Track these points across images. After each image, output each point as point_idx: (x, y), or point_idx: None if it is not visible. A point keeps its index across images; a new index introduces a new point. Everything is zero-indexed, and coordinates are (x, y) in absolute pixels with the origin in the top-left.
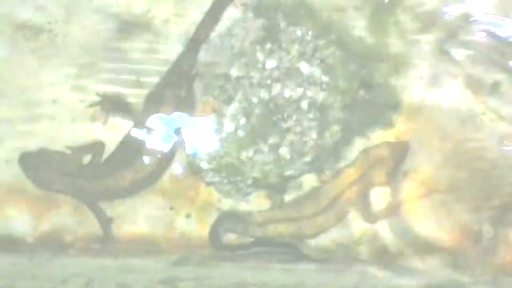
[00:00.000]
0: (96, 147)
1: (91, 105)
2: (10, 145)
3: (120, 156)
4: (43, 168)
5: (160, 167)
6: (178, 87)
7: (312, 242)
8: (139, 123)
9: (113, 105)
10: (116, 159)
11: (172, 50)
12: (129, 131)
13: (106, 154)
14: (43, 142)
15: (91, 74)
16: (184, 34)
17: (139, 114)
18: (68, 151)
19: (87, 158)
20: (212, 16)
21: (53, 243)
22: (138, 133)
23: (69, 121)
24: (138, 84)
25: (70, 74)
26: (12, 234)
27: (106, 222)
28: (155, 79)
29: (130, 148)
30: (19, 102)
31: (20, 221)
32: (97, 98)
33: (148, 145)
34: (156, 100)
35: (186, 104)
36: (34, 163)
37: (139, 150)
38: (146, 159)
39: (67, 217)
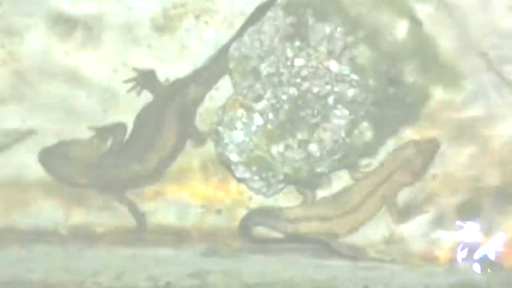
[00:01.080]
0: (118, 128)
1: (128, 80)
2: (44, 140)
3: (139, 137)
4: (63, 164)
5: (180, 143)
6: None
7: (344, 239)
8: (161, 99)
9: (145, 79)
10: (136, 140)
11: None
12: (145, 107)
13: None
14: (75, 134)
15: (123, 70)
16: (215, 33)
17: (163, 90)
18: (88, 136)
19: (106, 146)
20: (253, 19)
21: (85, 235)
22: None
23: (101, 111)
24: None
25: (103, 68)
26: (45, 225)
27: (138, 213)
28: (183, 76)
29: (148, 127)
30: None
31: (53, 212)
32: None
33: (167, 119)
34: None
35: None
36: (54, 159)
37: (158, 127)
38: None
39: (98, 208)
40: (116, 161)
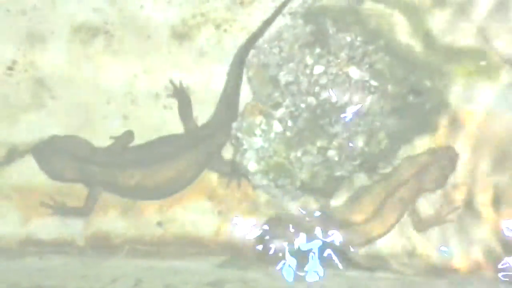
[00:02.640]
0: (125, 134)
1: (171, 82)
2: None
3: (150, 152)
4: (54, 156)
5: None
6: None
7: (362, 250)
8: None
9: (178, 100)
10: (133, 154)
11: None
12: (169, 136)
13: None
14: (95, 141)
15: (144, 78)
16: (233, 40)
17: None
18: (108, 143)
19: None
20: (267, 24)
21: (102, 246)
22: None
23: (121, 118)
24: (190, 92)
25: (124, 77)
26: (63, 237)
27: (90, 204)
28: (203, 84)
29: (163, 149)
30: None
31: (70, 223)
32: (170, 87)
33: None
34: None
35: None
36: (46, 152)
37: (174, 156)
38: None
39: (115, 220)
40: (105, 160)
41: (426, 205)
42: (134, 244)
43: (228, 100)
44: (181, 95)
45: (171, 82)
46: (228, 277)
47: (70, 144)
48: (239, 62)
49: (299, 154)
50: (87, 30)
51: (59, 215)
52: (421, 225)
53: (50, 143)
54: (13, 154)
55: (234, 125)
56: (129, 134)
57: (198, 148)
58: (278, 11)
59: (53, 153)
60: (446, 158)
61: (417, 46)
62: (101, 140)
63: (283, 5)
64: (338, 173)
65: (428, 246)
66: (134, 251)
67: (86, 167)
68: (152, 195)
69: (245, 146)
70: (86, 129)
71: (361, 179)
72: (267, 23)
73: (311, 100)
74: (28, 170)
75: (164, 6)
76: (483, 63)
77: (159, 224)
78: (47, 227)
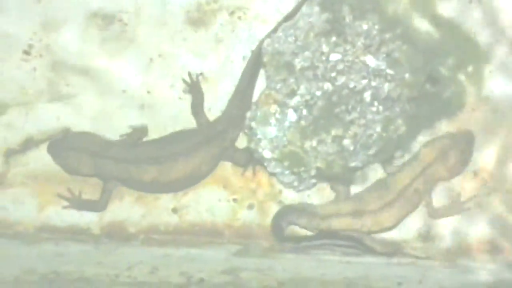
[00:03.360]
0: (139, 128)
1: (185, 81)
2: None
3: (164, 147)
4: (69, 151)
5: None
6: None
7: (377, 235)
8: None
9: (192, 95)
10: (147, 148)
11: (238, 43)
12: (184, 131)
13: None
14: (110, 129)
15: (159, 65)
16: (249, 29)
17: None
18: (124, 131)
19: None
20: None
21: (117, 234)
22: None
23: (137, 108)
24: (203, 79)
25: (139, 65)
26: (78, 225)
27: (107, 193)
28: (218, 71)
29: (178, 145)
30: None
31: (84, 213)
32: (187, 82)
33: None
34: None
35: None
36: (60, 149)
37: (190, 152)
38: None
39: (130, 208)
40: (119, 155)
41: (443, 193)
42: (149, 233)
43: (242, 95)
44: (196, 90)
45: (189, 75)
46: (243, 265)
47: (85, 139)
48: (256, 59)
49: (314, 143)
50: (102, 18)
51: (74, 208)
52: (437, 214)
53: (65, 139)
54: (29, 143)
55: (248, 114)
56: (143, 129)
57: (211, 143)
58: (300, 4)
59: (68, 148)
60: (465, 142)
61: (435, 33)
62: (117, 129)
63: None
64: (352, 164)
65: (442, 230)
66: (149, 240)
67: (101, 162)
68: (167, 189)
69: (259, 136)
70: (101, 117)
71: (376, 171)
72: (288, 17)
73: (327, 86)
74: (44, 159)
75: None
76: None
77: (174, 211)
78: (62, 214)
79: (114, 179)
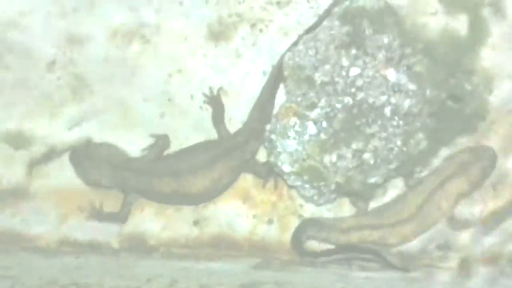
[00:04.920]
0: (160, 139)
1: (205, 100)
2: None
3: (184, 161)
4: (90, 162)
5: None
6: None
7: (396, 249)
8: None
9: (212, 107)
10: (168, 162)
11: (259, 58)
12: (204, 143)
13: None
14: (132, 139)
15: (179, 81)
16: (270, 42)
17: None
18: (145, 141)
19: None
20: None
21: (137, 246)
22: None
23: (158, 116)
24: (224, 93)
25: (159, 79)
26: (97, 239)
27: (127, 205)
28: (238, 85)
29: (198, 158)
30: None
31: (104, 226)
32: (208, 95)
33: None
34: None
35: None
36: (82, 158)
37: (210, 165)
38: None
39: (150, 221)
40: (140, 168)
41: (463, 207)
42: (169, 246)
43: (262, 108)
44: (216, 103)
45: (210, 89)
46: (262, 279)
47: (106, 151)
48: (277, 72)
49: (333, 158)
50: (124, 33)
51: (95, 220)
52: (457, 226)
53: (86, 150)
54: (52, 153)
55: (268, 127)
56: (165, 140)
57: (232, 156)
58: (322, 19)
59: (89, 159)
60: (486, 158)
61: (458, 49)
62: (138, 138)
63: (326, 13)
64: (372, 180)
65: (462, 241)
66: (169, 253)
67: (122, 174)
68: (187, 202)
69: (279, 149)
70: (123, 126)
71: (396, 186)
72: (310, 29)
73: (348, 100)
74: (66, 171)
75: (202, 4)
76: None
77: (195, 223)
78: (83, 227)
79: (134, 191)
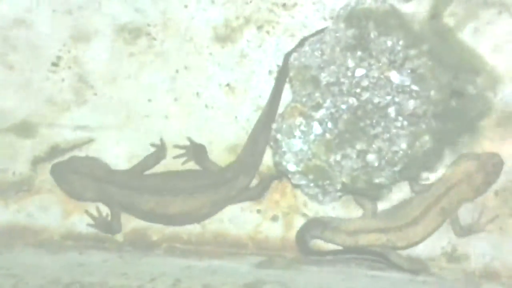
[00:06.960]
0: (157, 150)
1: (177, 146)
2: (104, 144)
3: (162, 179)
4: (72, 175)
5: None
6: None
7: (403, 252)
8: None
9: (195, 152)
10: (152, 181)
11: (265, 57)
12: (190, 171)
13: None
14: (135, 139)
15: (185, 78)
16: (276, 44)
17: (213, 167)
18: (148, 142)
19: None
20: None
21: (140, 242)
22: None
23: (162, 117)
24: (229, 90)
25: (166, 77)
26: (101, 233)
27: (115, 217)
28: (243, 83)
29: (182, 182)
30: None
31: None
32: (185, 144)
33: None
34: None
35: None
36: (64, 172)
37: (193, 193)
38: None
39: None
40: (121, 180)
41: (466, 213)
42: (172, 242)
43: (255, 143)
44: (195, 149)
45: (189, 139)
46: (266, 277)
47: (88, 164)
48: (269, 110)
49: (338, 157)
50: (130, 31)
51: (95, 228)
52: (462, 232)
53: (68, 163)
54: (55, 151)
55: (274, 126)
56: (162, 150)
57: (217, 190)
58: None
59: (71, 173)
60: (491, 165)
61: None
62: (142, 139)
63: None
64: (377, 180)
65: (468, 250)
66: (172, 249)
67: (105, 187)
68: (164, 222)
69: (284, 149)
70: (126, 126)
71: (402, 191)
72: (315, 34)
73: (353, 100)
74: None
75: (208, 6)
76: None
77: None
78: (87, 221)
79: (117, 205)
